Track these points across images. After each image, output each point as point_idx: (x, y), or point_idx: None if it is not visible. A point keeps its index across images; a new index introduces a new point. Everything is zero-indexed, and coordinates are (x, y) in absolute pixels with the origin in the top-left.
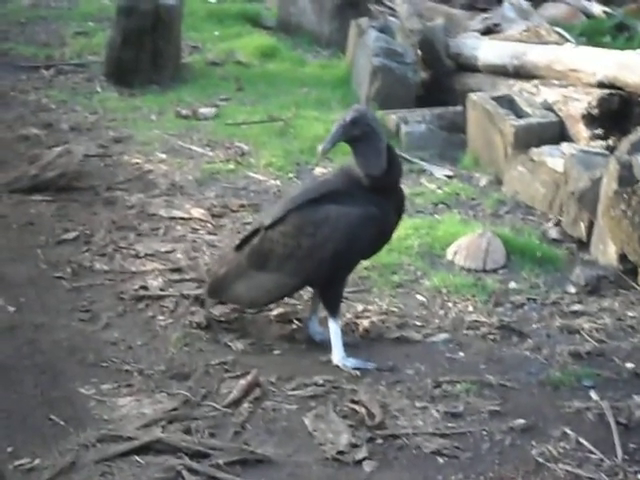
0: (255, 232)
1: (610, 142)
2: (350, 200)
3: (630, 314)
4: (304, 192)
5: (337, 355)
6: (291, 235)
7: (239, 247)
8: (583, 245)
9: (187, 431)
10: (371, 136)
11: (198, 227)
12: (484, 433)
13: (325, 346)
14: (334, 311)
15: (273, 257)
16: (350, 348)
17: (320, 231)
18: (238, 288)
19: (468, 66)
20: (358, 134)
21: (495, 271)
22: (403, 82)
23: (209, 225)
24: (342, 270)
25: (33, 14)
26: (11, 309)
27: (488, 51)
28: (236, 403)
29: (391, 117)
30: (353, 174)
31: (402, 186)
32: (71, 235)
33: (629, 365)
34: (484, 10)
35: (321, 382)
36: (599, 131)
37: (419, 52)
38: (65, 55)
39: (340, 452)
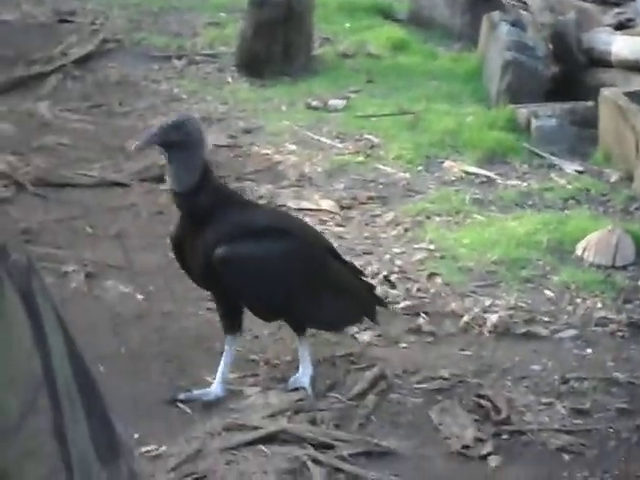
0: None
1: None
2: None
3: None
4: None
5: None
6: None
7: None
8: None
9: (312, 422)
10: (188, 147)
11: (326, 219)
12: (611, 431)
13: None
14: None
15: None
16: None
17: None
18: None
19: (601, 61)
20: (176, 140)
21: (625, 268)
22: (534, 76)
23: (337, 217)
24: None
25: (166, 4)
26: (140, 297)
27: (621, 46)
28: (361, 395)
29: (521, 111)
30: None
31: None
32: None
33: None
34: (617, 5)
35: (447, 376)
36: None
37: (550, 46)
38: (197, 45)
39: (465, 446)
